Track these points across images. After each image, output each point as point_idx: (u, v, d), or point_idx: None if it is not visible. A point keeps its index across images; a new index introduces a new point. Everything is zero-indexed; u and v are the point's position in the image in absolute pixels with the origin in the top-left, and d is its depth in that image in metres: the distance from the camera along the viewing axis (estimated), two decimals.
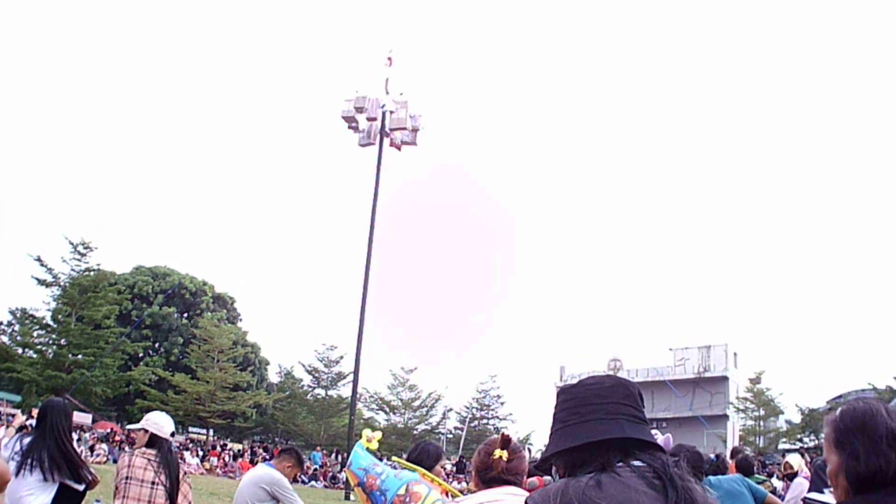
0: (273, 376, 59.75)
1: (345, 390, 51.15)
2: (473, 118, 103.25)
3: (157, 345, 56.36)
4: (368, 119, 32.23)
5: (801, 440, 45.54)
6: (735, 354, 63.17)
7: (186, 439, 44.44)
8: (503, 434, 3.24)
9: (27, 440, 6.08)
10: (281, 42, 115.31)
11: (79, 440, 31.80)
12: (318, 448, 48.05)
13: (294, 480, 6.74)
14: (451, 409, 55.90)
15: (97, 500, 13.32)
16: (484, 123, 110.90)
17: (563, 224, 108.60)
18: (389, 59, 33.63)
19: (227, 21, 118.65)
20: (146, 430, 5.93)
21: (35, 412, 8.52)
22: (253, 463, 36.18)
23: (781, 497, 9.22)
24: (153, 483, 5.71)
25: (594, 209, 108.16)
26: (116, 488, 5.70)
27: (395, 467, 4.15)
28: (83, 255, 39.39)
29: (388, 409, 52.63)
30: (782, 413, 48.96)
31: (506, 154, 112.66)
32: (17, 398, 39.09)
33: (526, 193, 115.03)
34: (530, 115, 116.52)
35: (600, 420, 2.09)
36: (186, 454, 35.69)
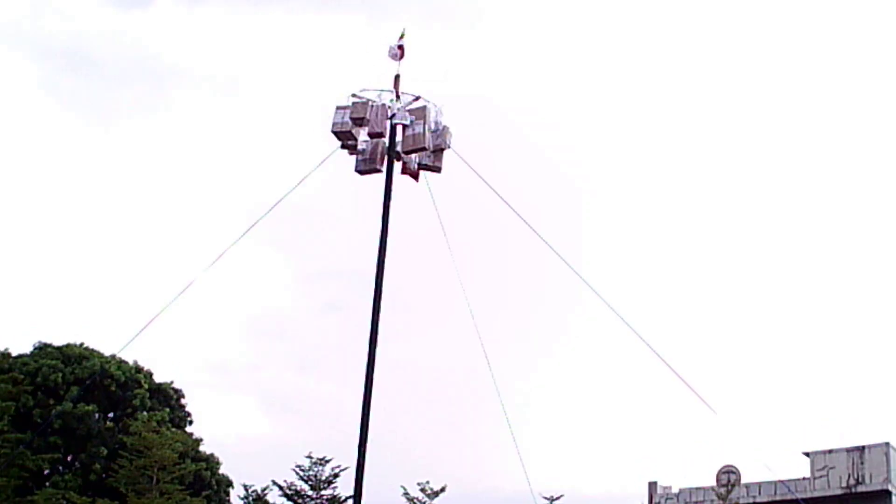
0: (237, 502, 58.68)
1: None
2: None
3: (70, 457, 55.70)
4: (371, 135, 31.30)
5: None
6: None
7: None
8: None
9: None
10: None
11: None
12: None
13: None
14: None
15: None
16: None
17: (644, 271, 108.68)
18: (401, 47, 32.75)
19: None
20: None
21: None
22: None
23: None
24: None
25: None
26: None
27: None
28: None
29: None
30: None
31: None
32: None
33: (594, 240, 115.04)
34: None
35: None
36: None
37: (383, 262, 30.12)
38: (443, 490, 52.30)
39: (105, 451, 54.13)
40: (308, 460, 51.94)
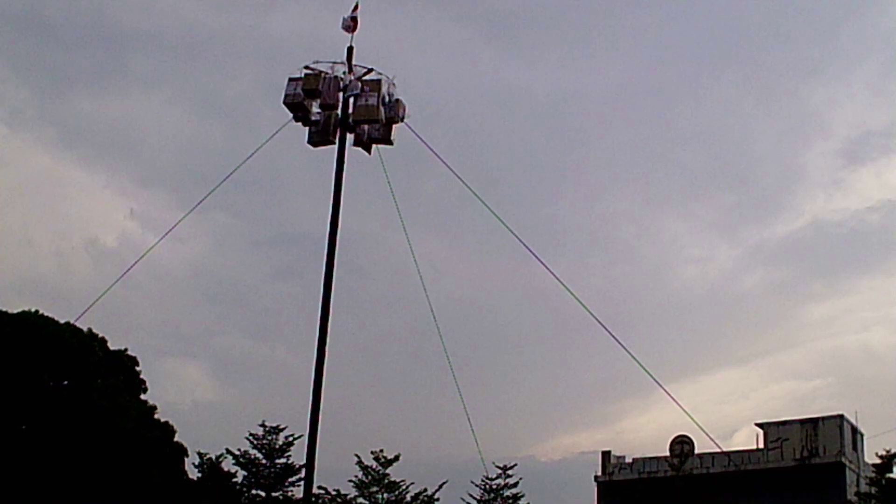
0: (191, 470, 58.72)
1: (296, 491, 50.79)
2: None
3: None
4: (323, 106, 31.39)
5: None
6: (855, 431, 62.42)
7: None
8: None
9: None
10: None
11: None
12: None
13: None
14: None
15: None
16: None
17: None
18: (354, 19, 32.82)
19: None
20: None
21: None
22: None
23: None
24: None
25: None
26: None
27: None
28: None
29: None
30: None
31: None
32: None
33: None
34: None
35: None
36: None
37: (335, 232, 30.43)
38: (397, 459, 52.66)
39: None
40: (262, 429, 52.26)
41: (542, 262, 30.89)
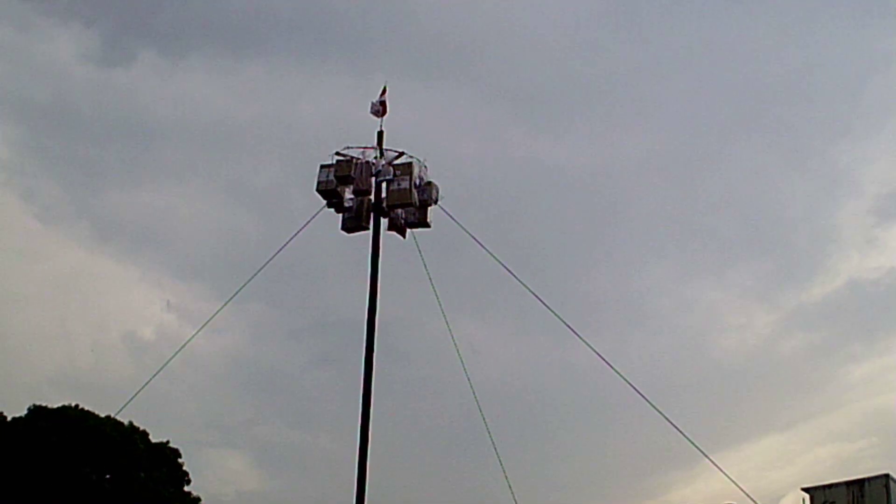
0: None
1: None
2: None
3: None
4: (356, 192, 31.56)
5: None
6: None
7: None
8: None
9: None
10: None
11: None
12: None
13: None
14: None
15: None
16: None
17: None
18: (383, 103, 33.06)
19: None
20: None
21: None
22: None
23: None
24: None
25: None
26: None
27: None
28: None
29: None
30: None
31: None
32: None
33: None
34: None
35: None
36: None
37: (374, 317, 30.43)
38: None
39: None
40: None
41: (581, 338, 30.86)
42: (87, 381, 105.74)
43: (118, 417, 58.59)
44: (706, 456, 30.70)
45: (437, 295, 32.43)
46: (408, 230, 32.21)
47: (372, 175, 31.68)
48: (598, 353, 30.17)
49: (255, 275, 32.88)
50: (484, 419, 32.40)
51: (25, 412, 57.55)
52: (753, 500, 32.51)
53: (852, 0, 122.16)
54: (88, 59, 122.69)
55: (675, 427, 29.27)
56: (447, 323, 32.86)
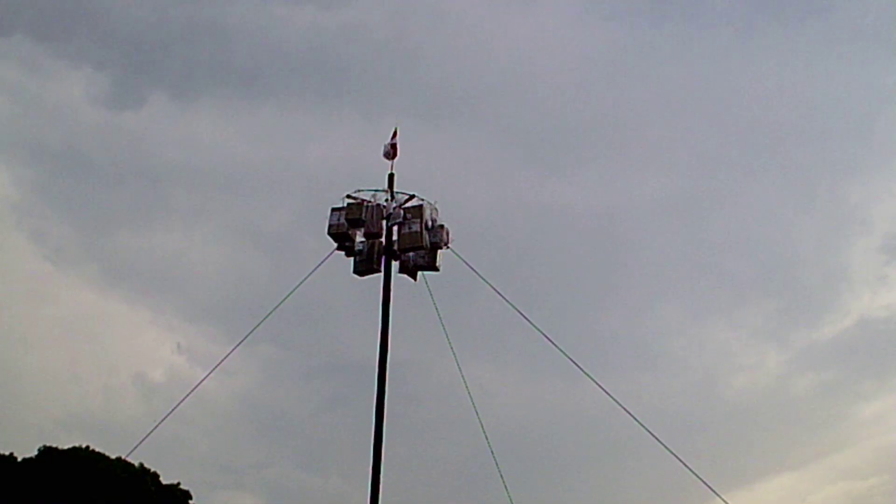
0: None
1: None
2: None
3: None
4: (367, 235, 31.62)
5: None
6: None
7: None
8: None
9: None
10: None
11: None
12: None
13: None
14: None
15: None
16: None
17: None
18: (394, 145, 33.14)
19: None
20: None
21: None
22: None
23: None
24: None
25: None
26: None
27: None
28: None
29: None
30: None
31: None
32: None
33: None
34: None
35: None
36: None
37: (385, 359, 30.44)
38: None
39: None
40: None
41: (593, 379, 30.85)
42: (97, 422, 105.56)
43: (129, 459, 58.55)
44: (718, 496, 30.61)
45: (447, 337, 32.50)
46: (418, 273, 32.26)
47: (383, 218, 31.75)
48: (609, 394, 30.16)
49: (267, 317, 32.93)
50: (496, 461, 32.37)
51: (36, 453, 57.43)
52: None
53: (858, 35, 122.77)
54: (99, 102, 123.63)
55: (688, 467, 29.22)
56: (458, 365, 32.92)
